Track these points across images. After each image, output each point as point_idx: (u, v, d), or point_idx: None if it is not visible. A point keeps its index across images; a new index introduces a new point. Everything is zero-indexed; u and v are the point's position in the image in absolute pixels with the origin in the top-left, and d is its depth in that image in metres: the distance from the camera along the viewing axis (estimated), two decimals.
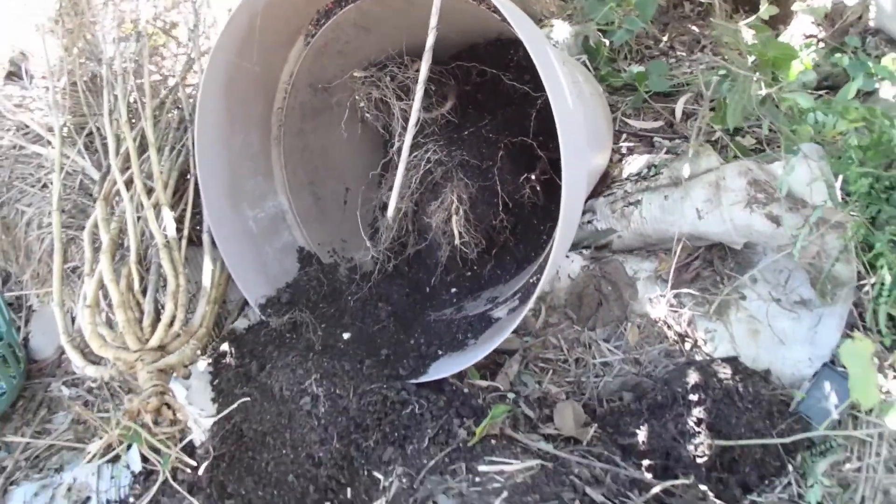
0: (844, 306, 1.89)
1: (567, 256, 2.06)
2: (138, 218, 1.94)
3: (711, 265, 2.02)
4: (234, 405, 1.64)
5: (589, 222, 2.13)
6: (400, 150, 1.94)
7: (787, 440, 1.55)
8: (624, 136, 2.61)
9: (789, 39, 2.84)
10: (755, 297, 1.96)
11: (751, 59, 2.05)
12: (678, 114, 2.61)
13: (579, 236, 2.13)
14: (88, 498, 2.17)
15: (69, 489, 2.19)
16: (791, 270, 1.98)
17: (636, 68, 2.78)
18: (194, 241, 2.11)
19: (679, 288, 1.94)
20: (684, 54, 3.08)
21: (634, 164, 2.28)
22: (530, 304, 1.53)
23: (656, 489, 1.49)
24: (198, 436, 1.87)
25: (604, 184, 2.26)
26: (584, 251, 2.10)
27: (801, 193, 1.83)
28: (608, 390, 1.87)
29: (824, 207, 1.77)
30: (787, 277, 1.98)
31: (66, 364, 2.57)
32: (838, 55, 2.25)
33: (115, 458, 2.23)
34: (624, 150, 2.51)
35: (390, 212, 1.68)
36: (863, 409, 1.79)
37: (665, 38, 3.16)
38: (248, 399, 1.68)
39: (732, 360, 1.76)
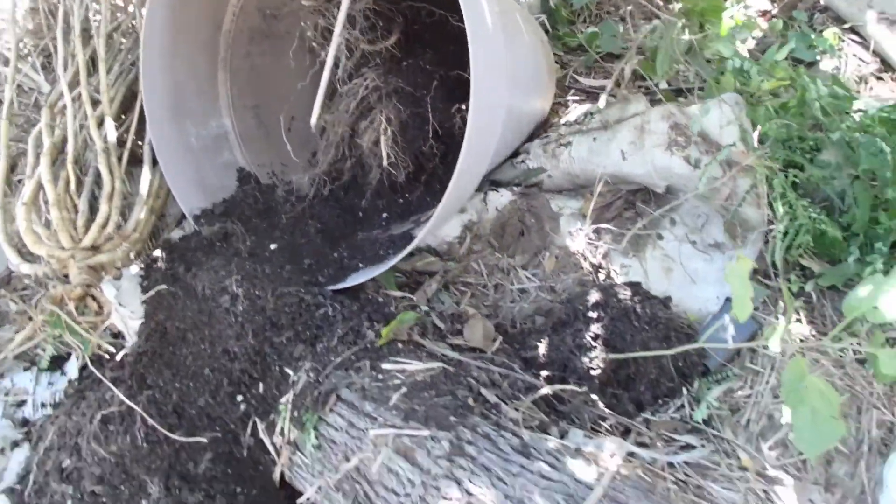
0: (754, 249, 1.98)
1: (497, 191, 2.13)
2: (81, 127, 2.00)
3: (634, 207, 2.10)
4: (152, 291, 1.70)
5: (522, 161, 2.21)
6: (343, 78, 2.02)
7: (671, 351, 1.62)
8: (572, 91, 2.68)
9: (744, 13, 2.92)
10: (672, 237, 2.04)
11: (678, 5, 2.12)
12: (626, 73, 2.68)
13: (511, 174, 2.20)
14: (24, 401, 2.23)
15: (6, 393, 2.25)
16: (708, 215, 2.06)
17: (591, 29, 2.85)
18: (140, 158, 2.17)
19: (599, 224, 2.02)
20: (643, 22, 3.15)
21: (574, 112, 2.36)
22: (438, 210, 1.59)
23: (544, 391, 1.57)
24: (128, 337, 1.94)
25: (542, 129, 2.33)
26: (514, 188, 2.17)
27: (716, 137, 1.91)
28: (523, 314, 1.95)
29: (737, 151, 1.85)
30: (704, 222, 2.06)
31: (16, 281, 2.63)
32: (774, 20, 2.33)
33: (55, 368, 2.30)
34: (570, 104, 2.59)
35: (314, 119, 1.75)
36: (762, 343, 1.88)
37: (625, 5, 3.22)
38: (164, 287, 1.74)
39: (634, 285, 1.84)
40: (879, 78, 2.58)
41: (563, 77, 2.73)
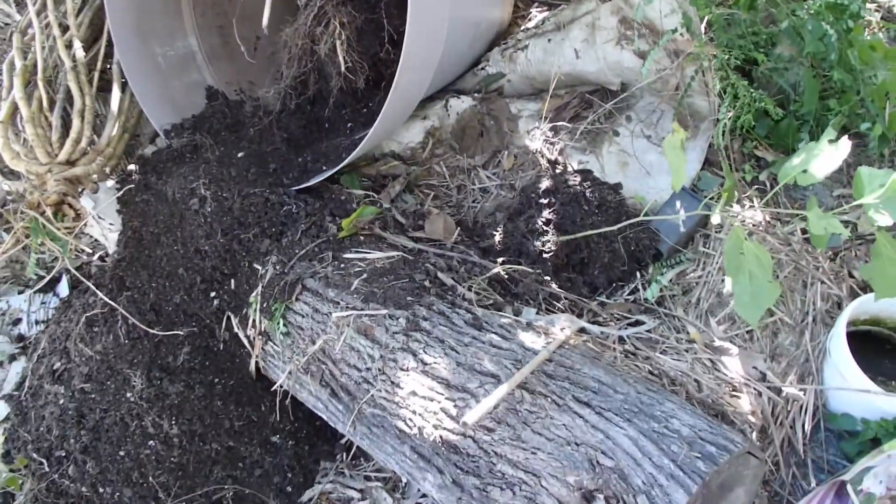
0: (704, 138, 2.02)
1: (458, 97, 2.17)
2: (51, 49, 2.04)
3: (591, 106, 2.13)
4: (127, 187, 1.76)
5: (482, 68, 2.24)
6: None
7: (615, 227, 1.67)
8: (536, 4, 2.69)
9: None
10: (628, 133, 2.08)
11: None
12: None
13: (472, 82, 2.24)
14: (20, 319, 2.32)
15: (3, 313, 2.35)
16: (663, 111, 2.10)
17: None
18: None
19: (556, 122, 2.06)
20: None
21: (534, 21, 2.38)
22: (392, 101, 1.63)
23: (495, 269, 1.63)
24: (108, 247, 2.02)
25: (502, 38, 2.36)
26: (475, 94, 2.21)
27: (661, 26, 1.93)
28: (484, 212, 2.01)
29: (682, 39, 1.87)
30: (658, 117, 2.10)
31: (10, 212, 2.70)
32: None
33: (48, 290, 2.39)
34: (533, 15, 2.60)
35: (264, 21, 1.78)
36: (710, 228, 1.94)
37: None
38: (134, 189, 1.80)
39: (584, 171, 1.89)
40: None
41: None
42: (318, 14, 1.99)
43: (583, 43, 2.03)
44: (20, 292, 2.40)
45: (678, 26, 1.82)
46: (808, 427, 1.71)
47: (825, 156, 1.47)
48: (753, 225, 1.94)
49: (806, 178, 1.47)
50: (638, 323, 1.76)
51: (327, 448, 1.83)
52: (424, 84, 1.81)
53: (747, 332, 1.77)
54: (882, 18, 2.50)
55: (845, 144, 1.45)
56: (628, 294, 1.85)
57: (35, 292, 2.36)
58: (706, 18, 1.97)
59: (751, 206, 1.99)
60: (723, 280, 1.80)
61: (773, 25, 2.17)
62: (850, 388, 1.63)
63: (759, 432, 1.66)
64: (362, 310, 1.58)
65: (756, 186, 2.06)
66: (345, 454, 1.81)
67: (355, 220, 1.73)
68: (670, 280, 1.87)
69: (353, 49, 1.91)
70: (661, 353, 1.70)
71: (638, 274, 1.87)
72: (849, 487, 1.53)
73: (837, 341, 1.67)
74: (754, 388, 1.67)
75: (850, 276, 1.89)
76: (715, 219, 1.60)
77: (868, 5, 2.49)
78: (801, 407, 1.72)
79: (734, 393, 1.66)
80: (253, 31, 2.31)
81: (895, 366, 1.76)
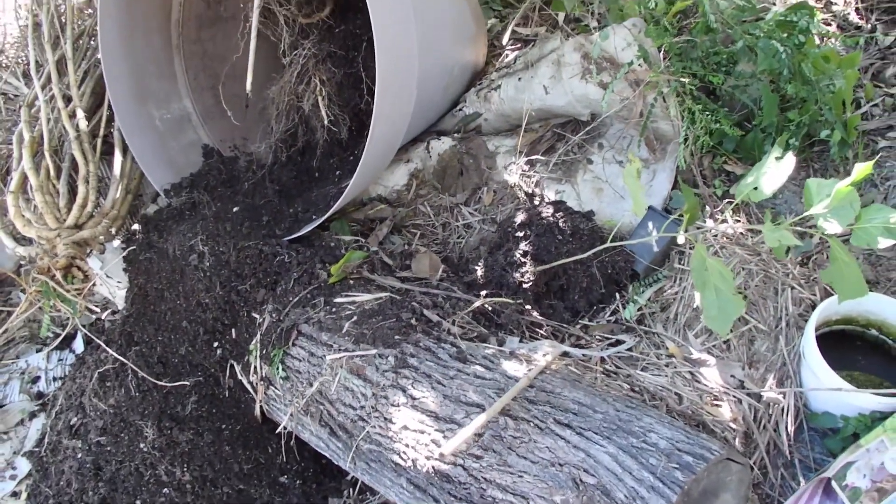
0: (672, 160, 2.06)
1: (438, 139, 2.22)
2: (56, 121, 2.13)
3: (564, 138, 2.18)
4: (131, 247, 1.82)
5: (460, 109, 2.29)
6: (285, 51, 2.12)
7: (588, 254, 1.70)
8: (511, 41, 2.75)
9: None
10: (600, 160, 2.12)
11: None
12: (560, 18, 2.74)
13: (451, 123, 2.29)
14: (38, 377, 2.39)
15: (22, 372, 2.41)
16: (632, 137, 2.14)
17: None
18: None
19: (532, 156, 2.11)
20: None
21: (507, 60, 2.44)
22: (369, 152, 1.69)
23: (477, 303, 1.67)
24: (117, 303, 2.08)
25: (478, 78, 2.41)
26: (455, 135, 2.26)
27: (621, 59, 1.98)
28: (469, 247, 2.05)
29: (640, 69, 1.92)
30: (629, 143, 2.14)
31: (24, 275, 2.78)
32: None
33: (64, 347, 2.46)
34: (508, 54, 2.66)
35: (248, 84, 1.85)
36: (680, 244, 1.97)
37: None
38: (136, 250, 1.87)
39: (557, 203, 1.93)
40: None
41: (504, 28, 2.80)
42: (301, 72, 2.06)
43: (550, 79, 2.08)
44: (38, 350, 2.47)
45: (634, 58, 1.87)
46: (791, 428, 1.73)
47: (772, 172, 1.51)
48: (725, 238, 1.97)
49: (757, 195, 1.51)
50: (618, 343, 1.79)
51: (334, 485, 1.87)
52: (400, 133, 1.87)
53: (724, 342, 1.79)
54: (838, 27, 2.54)
55: (789, 160, 1.49)
56: (609, 315, 1.88)
57: (52, 350, 2.43)
58: (663, 47, 2.01)
59: (723, 221, 2.02)
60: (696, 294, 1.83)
61: (732, 45, 2.21)
62: (824, 387, 1.64)
63: (743, 438, 1.68)
64: (354, 351, 1.62)
65: (727, 200, 2.09)
66: (351, 489, 1.85)
67: (344, 265, 1.78)
68: (648, 298, 1.90)
69: (335, 103, 1.98)
70: (641, 369, 1.73)
71: (617, 295, 1.90)
72: (834, 484, 1.54)
73: (808, 343, 1.69)
74: (734, 396, 1.70)
75: None
76: (680, 238, 1.63)
77: (823, 15, 2.53)
78: (783, 409, 1.74)
79: (715, 402, 1.69)
80: (244, 89, 2.38)
81: (868, 361, 1.78)
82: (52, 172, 2.02)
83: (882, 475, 1.48)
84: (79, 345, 2.39)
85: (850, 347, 1.82)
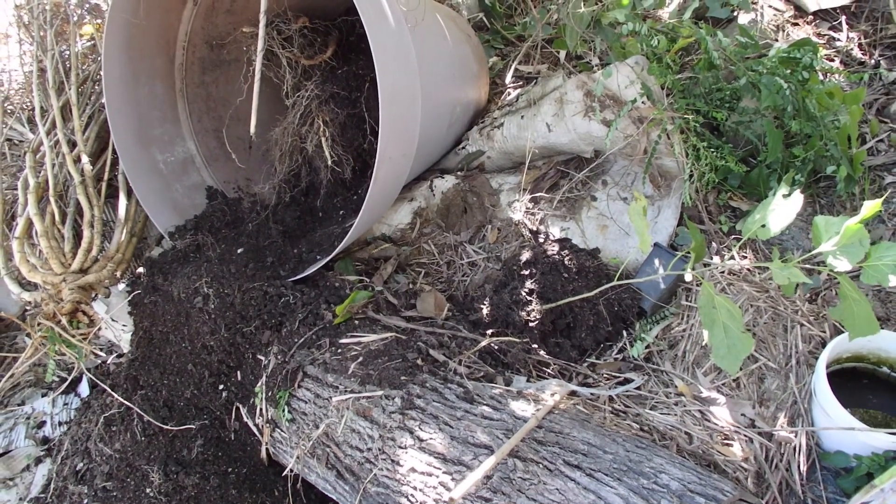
0: (677, 196, 2.10)
1: (442, 177, 2.27)
2: (60, 166, 2.18)
3: (568, 175, 2.23)
4: (136, 291, 1.86)
5: (462, 147, 2.35)
6: (288, 93, 2.19)
7: (594, 292, 1.74)
8: (513, 79, 2.82)
9: None
10: (605, 197, 2.17)
11: None
12: (562, 56, 2.82)
13: (454, 161, 2.35)
14: (44, 422, 2.41)
15: (28, 417, 2.44)
16: (636, 174, 2.19)
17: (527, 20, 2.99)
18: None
19: (536, 193, 2.16)
20: None
21: (509, 98, 2.50)
22: (373, 193, 1.74)
23: (483, 342, 1.70)
24: (123, 347, 2.11)
25: (480, 116, 2.48)
26: (458, 173, 2.31)
27: (624, 97, 2.04)
28: (474, 285, 2.09)
29: (644, 107, 1.97)
30: (633, 179, 2.19)
31: (30, 320, 2.82)
32: None
33: (69, 391, 2.49)
34: (509, 91, 2.73)
35: (252, 126, 1.90)
36: (688, 280, 2.00)
37: None
38: (141, 294, 1.90)
39: (563, 241, 1.97)
40: (795, 24, 2.70)
41: (505, 67, 2.87)
42: (304, 113, 2.12)
43: (553, 117, 2.14)
44: (44, 395, 2.50)
45: (637, 96, 1.93)
46: (803, 468, 1.74)
47: (780, 210, 1.54)
48: (731, 274, 2.01)
49: (765, 233, 1.54)
50: (627, 381, 1.81)
51: None
52: (404, 173, 1.92)
53: (734, 380, 1.81)
54: (842, 63, 2.60)
55: (797, 198, 1.52)
56: (616, 353, 1.91)
57: (57, 395, 2.46)
58: (666, 84, 2.07)
59: (730, 258, 2.06)
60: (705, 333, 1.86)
61: (735, 81, 2.27)
62: (836, 426, 1.66)
63: (755, 478, 1.69)
64: (360, 392, 1.65)
65: (733, 236, 2.13)
66: None
67: (349, 305, 1.82)
68: (656, 336, 1.93)
69: (338, 143, 2.03)
70: (650, 408, 1.75)
71: (624, 333, 1.93)
72: None
73: (819, 382, 1.70)
74: (745, 435, 1.71)
75: None
76: (687, 276, 1.67)
77: (826, 51, 2.59)
78: (795, 448, 1.75)
79: (725, 441, 1.71)
80: (247, 131, 2.45)
81: (880, 399, 1.80)
82: (56, 217, 2.06)
83: None
84: (84, 389, 2.42)
85: (860, 385, 1.84)
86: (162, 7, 2.11)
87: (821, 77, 2.38)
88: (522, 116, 2.21)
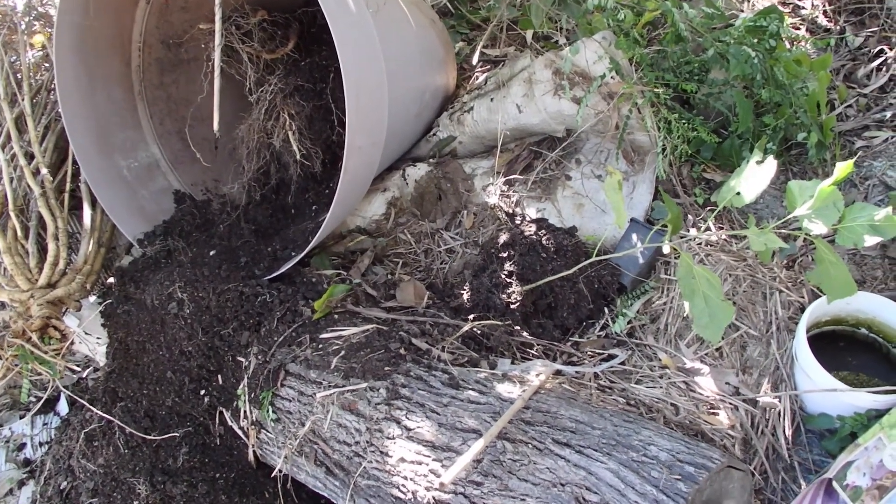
0: (651, 170, 2.16)
1: (414, 165, 2.31)
2: (19, 179, 2.19)
3: (541, 155, 2.28)
4: (107, 301, 1.88)
5: (433, 134, 2.39)
6: (251, 89, 2.21)
7: (572, 270, 1.79)
8: (480, 63, 2.86)
9: None
10: (579, 176, 2.22)
11: None
12: (528, 36, 2.86)
13: (426, 149, 2.39)
14: (24, 444, 2.42)
15: (7, 441, 2.45)
16: (609, 150, 2.24)
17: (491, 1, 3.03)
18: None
19: (510, 176, 2.20)
20: None
21: (477, 82, 2.54)
22: (343, 185, 1.77)
23: (466, 328, 1.75)
24: (99, 360, 2.13)
25: (449, 102, 2.51)
26: (431, 160, 2.35)
27: (593, 73, 2.09)
28: (453, 271, 2.13)
29: (613, 82, 2.02)
30: (606, 156, 2.24)
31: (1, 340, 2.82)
32: None
33: (48, 410, 2.50)
34: (478, 75, 2.77)
35: (215, 125, 1.93)
36: (667, 255, 2.06)
37: None
38: (113, 304, 1.92)
39: (539, 220, 2.02)
40: None
41: (472, 50, 2.91)
42: (269, 108, 2.15)
43: (523, 98, 2.18)
44: (21, 416, 2.50)
45: (606, 71, 1.98)
46: (789, 432, 1.81)
47: (754, 177, 1.60)
48: (709, 245, 2.07)
49: (739, 200, 1.60)
50: (611, 357, 1.87)
51: None
52: (374, 163, 1.95)
53: (716, 350, 1.88)
54: (808, 30, 2.67)
55: (770, 164, 1.58)
56: (599, 330, 1.97)
57: (35, 415, 2.47)
58: (634, 59, 2.12)
59: (706, 229, 2.12)
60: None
61: (703, 53, 2.33)
62: (818, 389, 1.73)
63: (742, 444, 1.75)
64: (344, 386, 1.68)
65: (708, 208, 2.19)
66: None
67: (327, 300, 1.85)
68: (637, 311, 1.98)
69: (306, 136, 2.06)
70: (635, 382, 1.81)
71: (606, 309, 1.98)
72: (835, 484, 1.62)
73: (800, 346, 1.77)
74: (730, 403, 1.78)
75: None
76: (665, 248, 1.73)
77: (791, 19, 2.67)
78: (779, 413, 1.82)
79: (711, 410, 1.77)
80: (212, 131, 2.46)
81: (859, 360, 1.87)
82: (19, 233, 2.07)
83: (882, 472, 1.55)
84: (63, 407, 2.43)
85: (840, 347, 1.91)
86: (112, 7, 2.12)
87: (788, 45, 2.44)
88: (492, 99, 2.25)
